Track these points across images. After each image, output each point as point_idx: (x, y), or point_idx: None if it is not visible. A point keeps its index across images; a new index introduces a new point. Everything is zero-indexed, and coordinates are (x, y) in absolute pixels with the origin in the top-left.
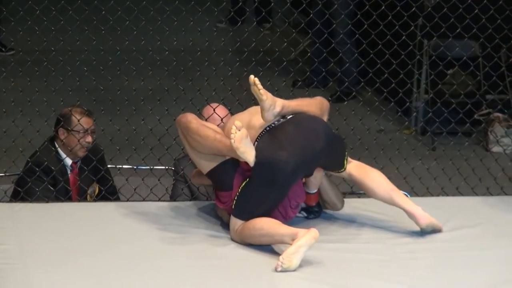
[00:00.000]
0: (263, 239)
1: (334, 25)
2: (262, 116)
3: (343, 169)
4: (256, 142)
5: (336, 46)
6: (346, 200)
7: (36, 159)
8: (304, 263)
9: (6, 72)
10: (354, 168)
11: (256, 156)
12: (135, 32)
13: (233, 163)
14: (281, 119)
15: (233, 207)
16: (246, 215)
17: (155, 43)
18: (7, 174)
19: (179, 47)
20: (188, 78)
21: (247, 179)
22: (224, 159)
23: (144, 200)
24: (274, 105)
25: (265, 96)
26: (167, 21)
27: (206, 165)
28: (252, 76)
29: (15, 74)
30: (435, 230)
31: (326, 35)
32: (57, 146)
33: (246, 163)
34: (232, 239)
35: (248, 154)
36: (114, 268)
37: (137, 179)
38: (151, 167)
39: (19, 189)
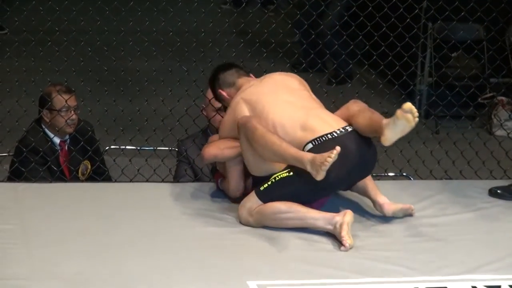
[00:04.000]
0: (290, 222)
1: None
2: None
3: None
4: (311, 145)
5: (325, 28)
6: None
7: (25, 140)
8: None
9: (10, 52)
10: None
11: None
12: (139, 13)
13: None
14: (348, 128)
15: (261, 188)
16: (271, 200)
17: (159, 24)
18: (10, 154)
19: (183, 28)
20: (192, 59)
21: (291, 173)
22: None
23: (147, 180)
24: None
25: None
26: (171, 1)
27: (260, 170)
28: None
29: (19, 54)
30: (406, 214)
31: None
32: (43, 126)
33: None
34: (241, 219)
35: (321, 175)
36: (115, 247)
37: (140, 160)
38: (155, 148)
39: (9, 171)
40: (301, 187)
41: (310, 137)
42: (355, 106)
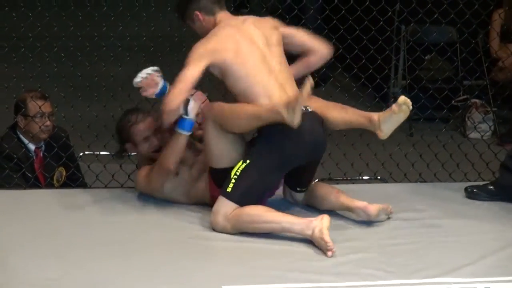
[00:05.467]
0: (266, 226)
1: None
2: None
3: (306, 188)
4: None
5: (307, 22)
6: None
7: None
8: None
9: None
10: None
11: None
12: (112, 18)
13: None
14: (308, 108)
15: (228, 190)
16: (244, 199)
17: (133, 29)
18: None
19: (157, 33)
20: (166, 64)
21: (247, 161)
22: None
23: (122, 186)
24: None
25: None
26: (144, 7)
27: (222, 161)
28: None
29: None
30: (387, 214)
31: (297, 18)
32: (18, 133)
33: None
34: (216, 226)
35: (298, 116)
36: (88, 252)
37: (115, 166)
38: (129, 154)
39: None
40: (262, 169)
41: None
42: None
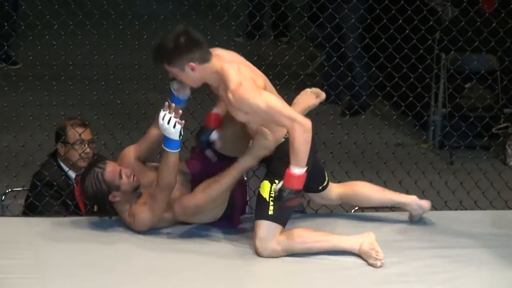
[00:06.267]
0: (317, 245)
1: (344, 29)
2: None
3: (326, 182)
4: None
5: (346, 51)
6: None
7: (40, 174)
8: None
9: (24, 86)
10: (337, 185)
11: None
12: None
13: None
14: None
15: (270, 213)
16: (285, 216)
17: None
18: (25, 188)
19: None
20: (206, 92)
21: (276, 180)
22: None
23: None
24: None
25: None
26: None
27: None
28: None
29: (33, 88)
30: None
31: (337, 46)
32: (59, 160)
33: None
34: (264, 252)
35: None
36: (128, 282)
37: None
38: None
39: (24, 205)
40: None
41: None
42: None
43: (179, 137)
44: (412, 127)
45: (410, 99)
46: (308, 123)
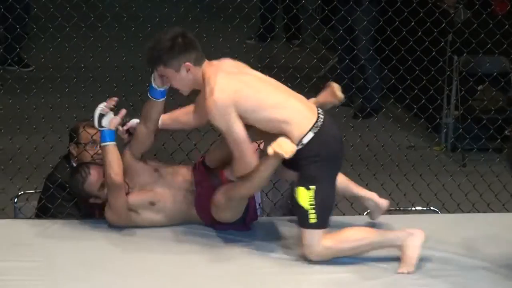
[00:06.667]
0: (368, 247)
1: (356, 32)
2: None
3: None
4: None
5: (359, 53)
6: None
7: (52, 176)
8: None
9: (36, 89)
10: None
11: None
12: None
13: None
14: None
15: (311, 221)
16: (327, 219)
17: None
18: (37, 190)
19: None
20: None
21: (310, 187)
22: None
23: None
24: None
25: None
26: (197, 38)
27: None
28: None
29: (45, 91)
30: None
31: (349, 48)
32: (72, 162)
33: None
34: (312, 256)
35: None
36: (142, 285)
37: None
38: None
39: (37, 207)
40: (327, 185)
41: (310, 124)
42: None
43: (98, 125)
44: (425, 129)
45: (423, 101)
46: (252, 165)
